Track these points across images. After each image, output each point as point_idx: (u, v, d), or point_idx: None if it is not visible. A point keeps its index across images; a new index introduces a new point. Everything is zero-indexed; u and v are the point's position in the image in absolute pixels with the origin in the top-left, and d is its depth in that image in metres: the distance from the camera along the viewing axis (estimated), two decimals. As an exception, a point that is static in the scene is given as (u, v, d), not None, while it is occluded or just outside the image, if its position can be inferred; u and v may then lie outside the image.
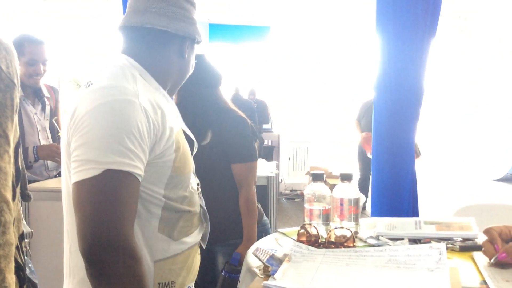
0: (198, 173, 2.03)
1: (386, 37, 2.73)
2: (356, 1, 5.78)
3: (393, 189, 2.82)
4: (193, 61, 1.33)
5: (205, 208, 1.37)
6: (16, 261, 0.51)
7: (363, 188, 5.84)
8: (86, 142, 0.99)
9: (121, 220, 0.97)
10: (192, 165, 1.26)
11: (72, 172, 1.00)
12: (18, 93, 0.43)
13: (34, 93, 2.77)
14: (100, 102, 1.01)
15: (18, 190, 0.52)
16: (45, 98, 2.83)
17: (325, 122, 7.62)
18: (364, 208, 5.79)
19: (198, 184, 1.36)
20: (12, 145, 0.44)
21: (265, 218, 2.15)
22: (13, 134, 0.46)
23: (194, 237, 1.28)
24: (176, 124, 1.18)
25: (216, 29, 7.08)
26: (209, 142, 1.99)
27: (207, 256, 2.13)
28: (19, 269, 0.53)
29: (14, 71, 0.43)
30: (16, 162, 0.48)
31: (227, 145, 1.98)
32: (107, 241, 0.94)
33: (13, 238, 0.42)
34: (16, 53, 2.20)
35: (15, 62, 0.43)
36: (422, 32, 2.66)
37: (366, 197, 5.65)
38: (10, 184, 0.42)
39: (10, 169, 0.42)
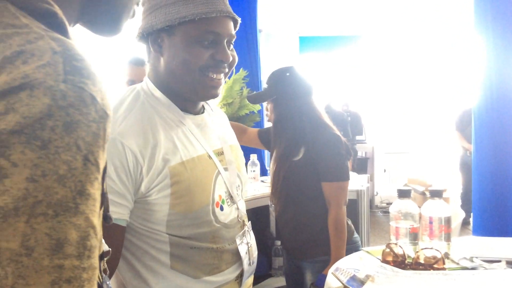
0: (289, 188, 2.02)
1: (485, 40, 2.54)
2: (450, 5, 5.47)
3: (498, 204, 2.59)
4: (182, 50, 1.04)
5: (247, 242, 1.17)
6: None
7: (466, 203, 5.45)
8: None
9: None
10: (210, 197, 1.07)
11: None
12: (110, 124, 0.46)
13: None
14: None
15: (101, 213, 0.55)
16: None
17: (424, 131, 7.24)
18: (468, 223, 5.39)
19: (240, 218, 1.17)
20: (102, 173, 0.48)
21: (355, 235, 2.08)
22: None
23: (226, 276, 1.11)
24: (185, 153, 1.05)
25: (307, 42, 7.08)
26: (301, 158, 1.98)
27: (296, 272, 2.11)
28: None
29: (108, 103, 0.46)
30: (102, 186, 0.52)
31: (318, 162, 1.95)
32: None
33: (97, 262, 0.44)
34: (122, 73, 2.28)
35: (108, 96, 0.46)
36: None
37: (470, 212, 5.25)
38: (98, 209, 0.44)
39: (99, 195, 0.44)
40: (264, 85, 2.21)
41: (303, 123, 2.00)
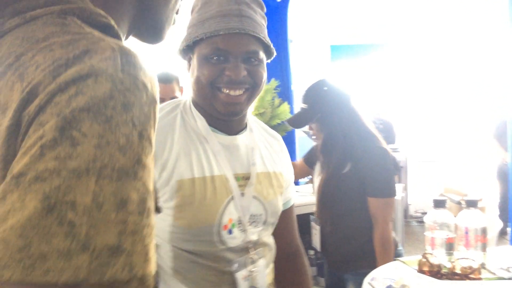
0: (335, 201, 1.96)
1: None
2: (481, 10, 5.38)
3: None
4: (196, 68, 1.09)
5: (255, 271, 1.13)
6: None
7: (503, 213, 5.31)
8: None
9: None
10: (217, 219, 1.07)
11: None
12: (158, 109, 0.53)
13: None
14: None
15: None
16: None
17: (460, 139, 7.11)
18: (506, 233, 5.26)
19: (250, 243, 1.13)
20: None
21: (399, 247, 2.05)
22: None
23: None
24: (195, 170, 1.06)
25: (338, 50, 7.09)
26: (348, 171, 1.94)
27: (338, 283, 2.08)
28: None
29: (156, 91, 0.53)
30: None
31: (365, 177, 1.91)
32: None
33: (154, 223, 0.50)
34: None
35: (157, 86, 0.54)
36: None
37: (509, 222, 5.11)
38: (152, 180, 0.50)
39: (152, 168, 0.51)
40: (299, 102, 2.11)
41: (351, 134, 1.95)
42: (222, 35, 1.04)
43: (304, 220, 2.66)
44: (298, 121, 2.10)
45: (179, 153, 1.05)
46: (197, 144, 1.09)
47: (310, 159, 2.31)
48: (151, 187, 0.50)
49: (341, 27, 6.37)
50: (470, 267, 1.33)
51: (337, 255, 2.01)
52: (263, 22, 1.13)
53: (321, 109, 1.98)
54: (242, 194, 1.11)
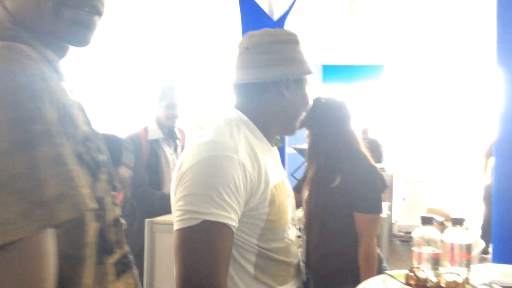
0: (324, 215, 2.01)
1: (509, 71, 2.60)
2: (473, 37, 5.55)
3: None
4: (302, 97, 1.33)
5: (301, 260, 1.37)
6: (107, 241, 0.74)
7: (486, 235, 5.41)
8: (187, 194, 1.09)
9: (215, 268, 1.06)
10: (288, 217, 1.26)
11: (175, 220, 1.11)
12: (51, 80, 0.62)
13: (169, 134, 3.07)
14: (201, 157, 1.11)
15: (103, 177, 0.72)
16: (177, 140, 3.12)
17: (445, 160, 7.24)
18: (486, 252, 5.35)
19: (298, 237, 1.37)
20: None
21: (384, 263, 2.10)
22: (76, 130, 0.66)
23: (290, 287, 1.28)
24: (274, 177, 1.22)
25: (330, 70, 7.21)
26: (337, 185, 1.99)
27: None
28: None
29: (44, 65, 0.64)
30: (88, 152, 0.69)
31: (353, 192, 1.97)
32: (199, 287, 1.04)
33: (78, 167, 0.63)
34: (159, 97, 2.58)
35: (43, 61, 0.64)
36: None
37: (489, 243, 5.21)
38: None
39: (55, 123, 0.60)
40: None
41: (337, 150, 2.01)
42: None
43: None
44: None
45: (263, 165, 1.18)
46: (267, 156, 1.25)
47: (300, 186, 2.34)
48: (64, 139, 0.61)
49: (334, 47, 6.49)
50: (455, 282, 1.40)
51: (322, 270, 2.04)
52: None
53: (312, 118, 2.05)
54: (288, 196, 1.32)
